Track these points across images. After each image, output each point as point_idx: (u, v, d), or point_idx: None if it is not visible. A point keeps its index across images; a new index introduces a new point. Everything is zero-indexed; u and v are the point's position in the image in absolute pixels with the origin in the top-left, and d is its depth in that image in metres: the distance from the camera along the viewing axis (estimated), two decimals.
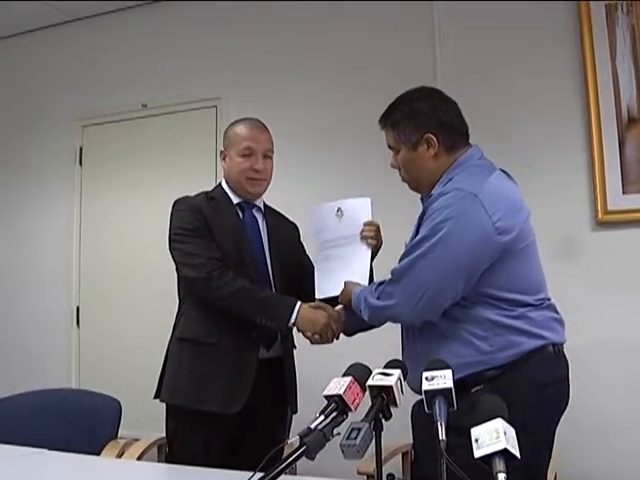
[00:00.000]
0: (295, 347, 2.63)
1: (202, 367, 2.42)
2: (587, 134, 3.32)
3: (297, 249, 2.70)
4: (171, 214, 2.53)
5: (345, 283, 2.28)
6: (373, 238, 2.36)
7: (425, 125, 2.09)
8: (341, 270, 2.33)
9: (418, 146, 2.09)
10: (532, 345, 1.96)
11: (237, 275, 2.39)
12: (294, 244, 2.67)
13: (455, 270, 1.93)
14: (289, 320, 2.36)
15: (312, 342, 2.41)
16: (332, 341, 2.43)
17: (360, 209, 2.40)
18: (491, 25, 3.56)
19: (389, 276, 2.38)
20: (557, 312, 2.09)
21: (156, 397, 2.56)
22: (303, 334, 2.39)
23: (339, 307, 2.43)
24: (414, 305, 1.95)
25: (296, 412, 2.56)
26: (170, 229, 2.51)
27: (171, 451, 2.50)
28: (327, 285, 2.38)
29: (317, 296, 2.39)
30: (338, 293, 2.32)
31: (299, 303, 2.38)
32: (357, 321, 2.38)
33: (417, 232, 2.03)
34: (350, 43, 3.88)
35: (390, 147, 2.18)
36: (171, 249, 2.49)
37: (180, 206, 2.53)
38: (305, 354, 2.63)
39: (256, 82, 4.09)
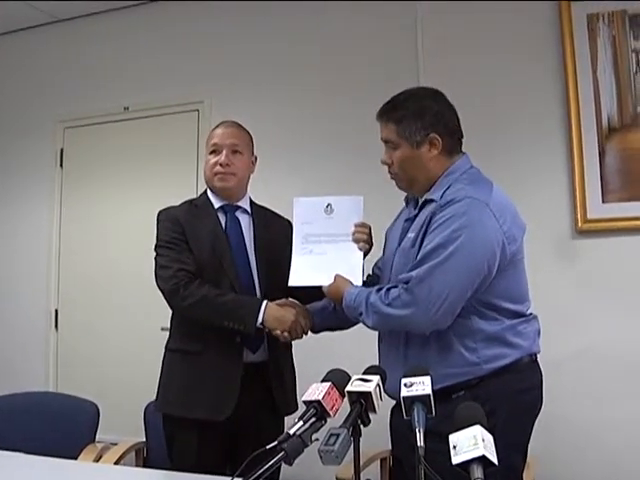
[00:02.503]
0: (291, 349, 2.61)
1: (190, 376, 2.43)
2: (568, 143, 3.34)
3: (289, 247, 2.65)
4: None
5: (336, 277, 2.22)
6: (366, 241, 2.32)
7: (432, 125, 2.08)
8: (327, 266, 2.28)
9: (421, 145, 2.07)
10: (515, 357, 1.98)
11: (202, 283, 2.40)
12: (286, 242, 2.54)
13: (472, 278, 1.92)
14: (256, 320, 2.34)
15: (282, 340, 2.39)
16: (301, 337, 2.42)
17: (352, 208, 2.36)
18: (474, 28, 3.57)
19: (367, 277, 2.40)
20: (538, 322, 2.13)
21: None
22: (272, 332, 2.37)
23: (312, 304, 2.44)
24: (432, 314, 1.91)
25: (291, 413, 2.54)
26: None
27: (170, 458, 2.51)
28: (304, 275, 2.33)
29: (290, 283, 2.33)
30: (313, 284, 2.28)
31: (265, 302, 2.37)
32: (327, 319, 2.40)
33: (421, 238, 2.00)
34: (334, 44, 3.89)
35: (387, 141, 2.13)
36: None
37: (160, 217, 2.57)
38: (306, 353, 2.63)
39: (238, 86, 4.08)
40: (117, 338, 4.22)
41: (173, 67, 4.26)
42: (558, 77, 3.38)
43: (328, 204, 2.37)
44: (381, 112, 2.15)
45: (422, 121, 2.07)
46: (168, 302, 2.45)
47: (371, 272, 2.43)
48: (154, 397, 2.56)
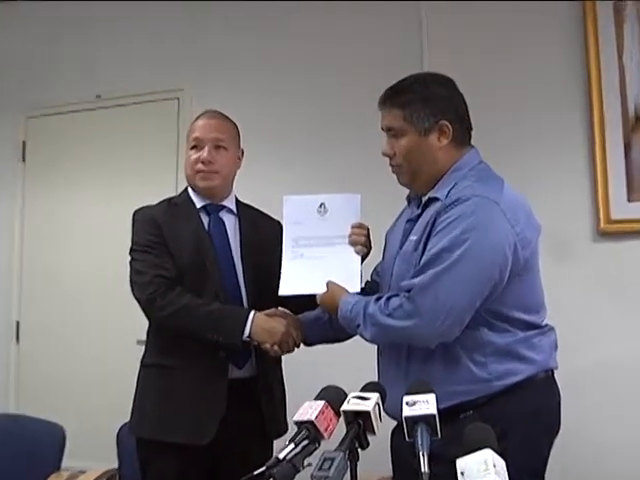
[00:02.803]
0: (280, 363, 2.63)
1: (167, 394, 2.44)
2: (589, 135, 3.36)
3: (279, 250, 2.62)
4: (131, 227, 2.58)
5: (328, 285, 2.22)
6: (364, 244, 2.33)
7: (442, 111, 2.08)
8: (320, 272, 2.28)
9: (430, 133, 2.08)
10: (530, 373, 2.00)
11: (183, 291, 2.41)
12: (276, 245, 2.52)
13: (481, 286, 1.93)
14: (243, 332, 2.36)
15: (271, 354, 2.40)
16: (293, 350, 2.43)
17: (348, 207, 2.36)
18: (483, 21, 3.60)
19: (366, 284, 2.40)
20: (555, 334, 2.14)
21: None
22: (260, 345, 2.39)
23: (305, 314, 2.46)
24: (438, 326, 1.91)
25: (282, 435, 2.54)
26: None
27: None
28: (296, 282, 2.34)
29: (280, 292, 2.34)
30: (305, 292, 2.29)
31: (252, 312, 2.39)
32: (321, 330, 2.42)
33: (424, 241, 2.01)
34: (330, 33, 3.91)
35: (390, 129, 2.14)
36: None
37: (135, 218, 2.57)
38: (297, 368, 2.64)
39: (223, 72, 4.09)
40: (87, 352, 4.21)
41: (151, 51, 4.27)
42: (579, 63, 3.40)
43: (321, 203, 2.38)
44: (385, 97, 2.15)
45: (431, 106, 2.08)
46: (145, 312, 2.46)
47: (370, 279, 2.45)
48: (128, 418, 2.57)
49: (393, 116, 2.12)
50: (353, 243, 2.32)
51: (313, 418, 1.45)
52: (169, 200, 2.63)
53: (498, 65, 3.55)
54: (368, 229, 2.36)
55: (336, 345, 2.48)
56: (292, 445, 1.42)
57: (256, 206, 2.74)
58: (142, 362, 2.57)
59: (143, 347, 2.59)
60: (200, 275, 2.47)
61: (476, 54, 3.56)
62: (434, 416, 1.43)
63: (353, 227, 2.33)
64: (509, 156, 3.19)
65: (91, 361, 4.18)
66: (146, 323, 2.54)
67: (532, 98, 3.47)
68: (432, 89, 2.11)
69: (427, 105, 2.08)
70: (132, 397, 2.54)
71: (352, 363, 2.61)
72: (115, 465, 3.01)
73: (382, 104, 2.16)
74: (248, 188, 2.80)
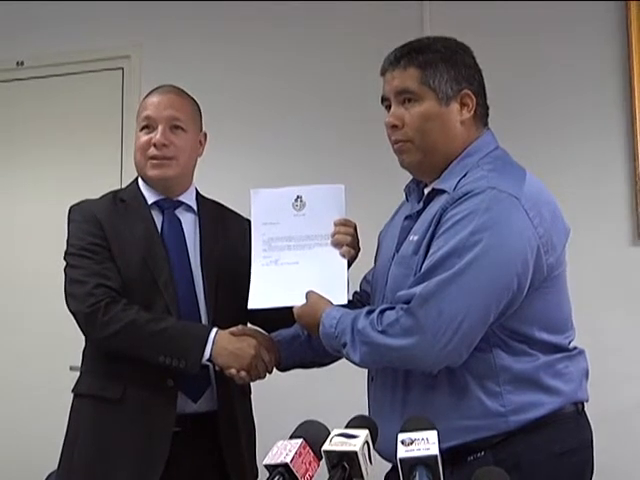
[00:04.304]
0: (250, 394, 2.65)
1: (103, 432, 2.44)
2: (629, 116, 3.39)
3: (248, 256, 2.57)
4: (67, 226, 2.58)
5: (308, 295, 2.22)
6: (350, 245, 2.33)
7: (466, 80, 2.11)
8: (298, 280, 2.30)
9: (451, 102, 2.09)
10: (555, 406, 2.00)
11: (129, 305, 2.40)
12: (245, 250, 2.51)
13: (496, 298, 1.92)
14: (202, 355, 2.36)
15: (237, 381, 2.41)
16: (264, 377, 2.44)
17: (330, 200, 2.38)
18: (488, 21, 3.71)
19: (354, 295, 2.43)
20: (586, 359, 2.14)
21: None
22: (224, 371, 2.39)
23: (279, 332, 2.47)
24: (443, 346, 1.89)
25: None
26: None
27: None
28: (268, 294, 2.35)
29: (250, 305, 2.34)
30: (281, 305, 2.29)
31: (214, 330, 2.39)
32: (298, 351, 2.43)
33: (427, 242, 2.01)
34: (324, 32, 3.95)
35: (402, 92, 2.11)
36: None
37: (72, 215, 2.57)
38: (269, 399, 2.64)
39: (179, 35, 4.10)
40: (7, 381, 4.20)
41: (88, 8, 4.25)
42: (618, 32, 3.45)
43: (298, 196, 2.40)
44: (397, 55, 2.14)
45: (455, 70, 2.10)
46: (83, 329, 2.45)
47: (359, 288, 2.46)
48: (56, 465, 2.56)
49: (409, 76, 2.11)
50: (337, 244, 2.33)
51: (288, 461, 1.44)
52: (114, 194, 2.63)
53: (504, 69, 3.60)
54: (355, 227, 2.37)
55: (316, 369, 2.49)
56: None
57: (221, 201, 2.75)
58: (75, 392, 2.56)
59: (77, 375, 2.59)
60: (150, 287, 2.47)
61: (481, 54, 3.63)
62: (436, 458, 1.41)
63: (337, 224, 2.34)
64: (530, 145, 3.22)
65: (13, 392, 4.16)
66: (81, 345, 2.54)
67: (562, 77, 3.54)
68: (456, 52, 2.14)
69: (451, 68, 2.10)
70: (62, 438, 2.54)
71: (336, 392, 2.61)
72: None
73: (393, 63, 2.14)
74: (212, 179, 2.81)
